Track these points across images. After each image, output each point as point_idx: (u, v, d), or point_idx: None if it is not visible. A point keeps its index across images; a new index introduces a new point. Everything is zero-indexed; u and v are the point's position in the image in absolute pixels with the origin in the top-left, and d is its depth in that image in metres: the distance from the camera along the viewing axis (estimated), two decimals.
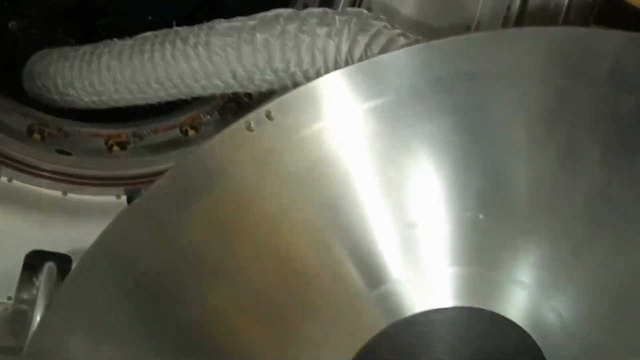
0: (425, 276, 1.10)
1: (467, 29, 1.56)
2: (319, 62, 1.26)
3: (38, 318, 1.14)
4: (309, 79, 1.24)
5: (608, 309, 1.02)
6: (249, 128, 1.10)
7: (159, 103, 1.56)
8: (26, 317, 1.36)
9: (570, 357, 1.00)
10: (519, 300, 1.06)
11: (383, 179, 1.09)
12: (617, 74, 1.02)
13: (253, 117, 1.10)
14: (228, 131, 1.12)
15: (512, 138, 1.08)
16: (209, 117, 1.66)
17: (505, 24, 1.53)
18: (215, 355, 1.06)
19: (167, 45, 1.43)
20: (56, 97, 1.71)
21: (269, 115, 1.10)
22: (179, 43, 1.41)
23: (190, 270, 1.10)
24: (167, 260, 1.09)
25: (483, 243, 1.09)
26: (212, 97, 1.59)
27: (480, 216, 1.07)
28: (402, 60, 1.08)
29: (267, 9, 1.33)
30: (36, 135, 1.58)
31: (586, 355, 0.97)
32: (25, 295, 1.39)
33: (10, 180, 1.43)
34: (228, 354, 1.07)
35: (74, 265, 1.35)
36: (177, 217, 1.10)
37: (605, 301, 1.02)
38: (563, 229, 1.07)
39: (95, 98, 1.62)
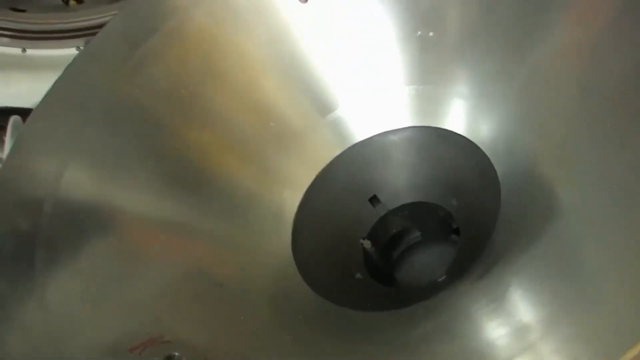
0: (379, 98, 1.11)
1: None
2: None
3: None
4: None
5: (549, 117, 1.01)
6: None
7: None
8: None
9: (513, 162, 1.01)
10: (467, 115, 1.07)
11: (331, 4, 1.09)
12: None
13: None
14: None
15: None
16: None
17: None
18: (186, 176, 1.08)
19: None
20: None
21: None
22: None
23: (152, 104, 1.10)
24: (128, 94, 1.09)
25: (435, 61, 1.09)
26: None
27: (431, 34, 1.07)
28: None
29: None
30: None
31: (526, 156, 0.98)
32: None
33: None
34: (200, 175, 1.09)
35: None
36: (133, 54, 1.10)
37: (545, 110, 1.02)
38: (507, 37, 1.05)
39: None
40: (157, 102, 1.11)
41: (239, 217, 1.06)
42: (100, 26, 1.48)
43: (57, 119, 1.06)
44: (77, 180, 1.01)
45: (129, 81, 1.10)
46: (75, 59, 1.11)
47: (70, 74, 1.10)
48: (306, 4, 1.09)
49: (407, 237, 1.24)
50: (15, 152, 1.03)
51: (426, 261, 1.23)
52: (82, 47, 1.46)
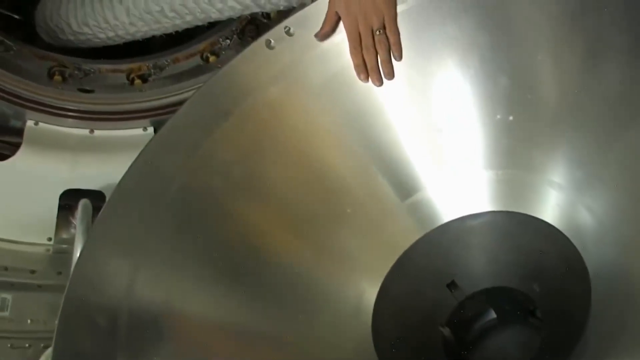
0: (458, 182, 1.09)
1: None
2: None
3: (78, 254, 1.16)
4: None
5: None
6: (269, 46, 1.10)
7: (177, 32, 1.54)
8: (67, 255, 1.39)
9: (606, 254, 0.99)
10: (552, 201, 1.04)
11: (408, 85, 1.08)
12: None
13: (272, 34, 1.10)
14: (248, 51, 1.12)
15: (538, 35, 1.06)
16: (228, 41, 1.65)
17: None
18: (252, 266, 1.07)
19: None
20: (71, 37, 1.70)
21: (288, 32, 1.10)
22: None
23: (222, 188, 1.11)
24: (199, 181, 1.10)
25: (515, 145, 1.07)
26: (230, 21, 1.57)
27: (510, 118, 1.06)
28: None
29: None
30: (57, 77, 1.59)
31: (622, 251, 0.95)
32: (64, 235, 1.42)
33: (36, 123, 1.45)
34: (266, 266, 1.08)
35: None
36: (205, 139, 1.10)
37: (638, 195, 1.00)
38: (594, 124, 1.04)
39: (111, 33, 1.61)
40: (227, 189, 1.11)
41: (313, 315, 1.04)
42: (166, 107, 1.51)
43: (128, 217, 1.07)
44: (148, 285, 1.01)
45: (200, 170, 1.10)
46: (147, 148, 1.11)
47: (141, 166, 1.11)
48: (386, 85, 1.08)
49: (485, 321, 1.20)
50: (89, 251, 1.05)
51: (506, 346, 1.19)
52: (148, 128, 1.48)
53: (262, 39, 1.10)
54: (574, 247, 1.01)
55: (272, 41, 1.10)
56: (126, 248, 1.03)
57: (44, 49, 1.70)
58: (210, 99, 1.13)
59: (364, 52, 1.06)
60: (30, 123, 1.45)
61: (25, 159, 1.41)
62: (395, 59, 1.06)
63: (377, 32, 1.05)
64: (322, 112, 1.11)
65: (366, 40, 1.05)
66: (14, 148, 1.44)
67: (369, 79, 1.07)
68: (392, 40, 1.05)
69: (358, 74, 1.07)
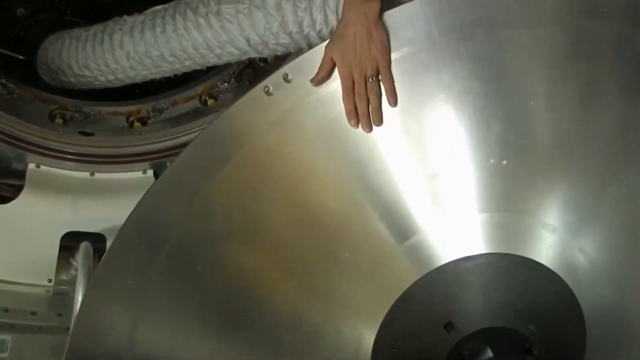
0: (454, 225, 1.11)
1: None
2: (332, 20, 1.26)
3: (79, 297, 1.17)
4: (323, 38, 1.25)
5: (636, 244, 1.02)
6: (267, 92, 1.11)
7: (175, 75, 1.56)
8: (67, 297, 1.40)
9: (601, 296, 1.01)
10: (548, 243, 1.06)
11: (404, 131, 1.10)
12: (635, 9, 1.01)
13: (271, 81, 1.12)
14: (247, 97, 1.13)
15: (530, 82, 1.08)
16: (226, 84, 1.67)
17: None
18: (249, 312, 1.08)
19: (178, 17, 1.44)
20: (72, 79, 1.72)
21: (286, 78, 1.11)
22: (189, 14, 1.42)
23: (221, 234, 1.12)
24: (199, 228, 1.11)
25: (509, 189, 1.09)
26: (227, 65, 1.59)
27: (504, 162, 1.08)
28: (415, 12, 1.08)
29: None
30: (58, 120, 1.61)
31: (616, 293, 0.97)
32: (64, 276, 1.44)
33: (38, 166, 1.46)
34: (263, 310, 1.09)
35: (108, 243, 1.38)
36: (205, 185, 1.12)
37: (633, 237, 1.03)
38: (587, 168, 1.06)
39: (111, 77, 1.63)
40: (226, 234, 1.13)
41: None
42: (166, 150, 1.53)
43: (129, 266, 1.08)
44: (150, 336, 1.03)
45: (199, 216, 1.12)
46: (148, 195, 1.13)
47: (142, 213, 1.12)
48: (382, 130, 1.09)
49: None
50: (91, 300, 1.06)
51: None
52: (147, 170, 1.49)
53: (260, 86, 1.12)
54: (568, 287, 1.04)
55: (271, 87, 1.11)
56: (127, 297, 1.05)
57: (44, 90, 1.72)
58: (210, 145, 1.14)
59: (356, 98, 1.08)
60: (32, 165, 1.46)
61: (27, 202, 1.42)
62: (390, 105, 1.08)
63: (370, 79, 1.07)
64: (320, 156, 1.13)
65: (359, 87, 1.08)
66: (16, 190, 1.45)
67: (359, 125, 1.09)
68: (386, 87, 1.08)
69: (349, 119, 1.09)
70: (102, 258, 1.09)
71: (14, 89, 1.58)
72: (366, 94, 1.08)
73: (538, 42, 1.06)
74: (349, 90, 1.08)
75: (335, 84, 1.10)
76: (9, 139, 1.46)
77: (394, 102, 1.08)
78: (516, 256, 1.08)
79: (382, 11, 1.06)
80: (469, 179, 1.09)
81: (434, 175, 1.10)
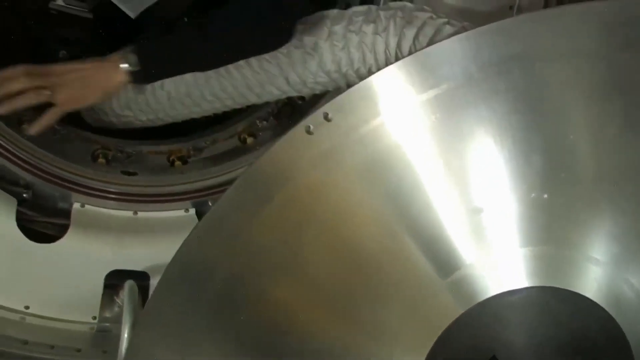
0: (497, 259, 1.11)
1: (510, 8, 1.56)
2: (370, 59, 1.28)
3: (125, 334, 1.18)
4: (361, 77, 1.26)
5: None
6: (308, 131, 1.13)
7: (215, 113, 1.59)
8: (111, 334, 1.42)
9: None
10: (592, 276, 1.06)
11: (445, 167, 1.11)
12: None
13: (311, 120, 1.14)
14: (288, 137, 1.15)
15: (570, 115, 1.09)
16: (265, 122, 1.68)
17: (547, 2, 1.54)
18: (292, 350, 1.09)
19: None
20: (113, 119, 1.75)
21: (326, 117, 1.13)
22: None
23: (265, 271, 1.14)
24: (243, 266, 1.13)
25: (551, 222, 1.10)
26: (266, 103, 1.60)
27: (545, 196, 1.08)
28: (451, 49, 1.09)
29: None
30: (101, 160, 1.63)
31: None
32: (108, 314, 1.45)
33: (82, 205, 1.49)
34: (308, 347, 1.10)
35: (151, 281, 1.41)
36: (249, 224, 1.14)
37: None
38: (630, 201, 1.06)
39: (151, 116, 1.65)
40: (269, 273, 1.14)
41: None
42: (207, 189, 1.55)
43: (174, 309, 1.11)
44: None
45: (242, 257, 1.13)
46: (191, 236, 1.15)
47: (186, 254, 1.14)
48: (424, 166, 1.10)
49: None
50: (137, 344, 1.09)
51: None
52: (189, 209, 1.51)
53: (301, 125, 1.14)
54: (614, 319, 1.03)
55: (311, 127, 1.13)
56: (174, 337, 1.07)
57: (85, 129, 1.76)
58: (253, 184, 1.16)
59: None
60: (76, 205, 1.48)
61: (73, 241, 1.44)
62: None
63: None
64: (362, 194, 1.14)
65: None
66: (60, 228, 1.48)
67: None
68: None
69: None
70: (149, 298, 1.10)
71: (58, 130, 1.61)
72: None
73: (574, 75, 1.07)
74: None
75: (375, 121, 1.12)
76: (55, 179, 1.49)
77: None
78: (560, 289, 1.08)
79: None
80: (510, 212, 1.10)
81: (476, 210, 1.10)
